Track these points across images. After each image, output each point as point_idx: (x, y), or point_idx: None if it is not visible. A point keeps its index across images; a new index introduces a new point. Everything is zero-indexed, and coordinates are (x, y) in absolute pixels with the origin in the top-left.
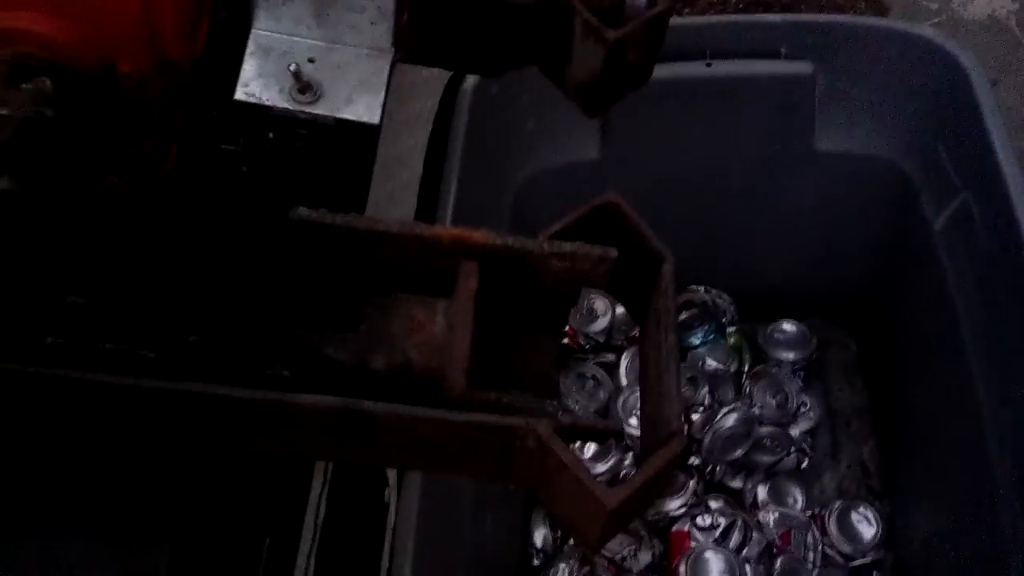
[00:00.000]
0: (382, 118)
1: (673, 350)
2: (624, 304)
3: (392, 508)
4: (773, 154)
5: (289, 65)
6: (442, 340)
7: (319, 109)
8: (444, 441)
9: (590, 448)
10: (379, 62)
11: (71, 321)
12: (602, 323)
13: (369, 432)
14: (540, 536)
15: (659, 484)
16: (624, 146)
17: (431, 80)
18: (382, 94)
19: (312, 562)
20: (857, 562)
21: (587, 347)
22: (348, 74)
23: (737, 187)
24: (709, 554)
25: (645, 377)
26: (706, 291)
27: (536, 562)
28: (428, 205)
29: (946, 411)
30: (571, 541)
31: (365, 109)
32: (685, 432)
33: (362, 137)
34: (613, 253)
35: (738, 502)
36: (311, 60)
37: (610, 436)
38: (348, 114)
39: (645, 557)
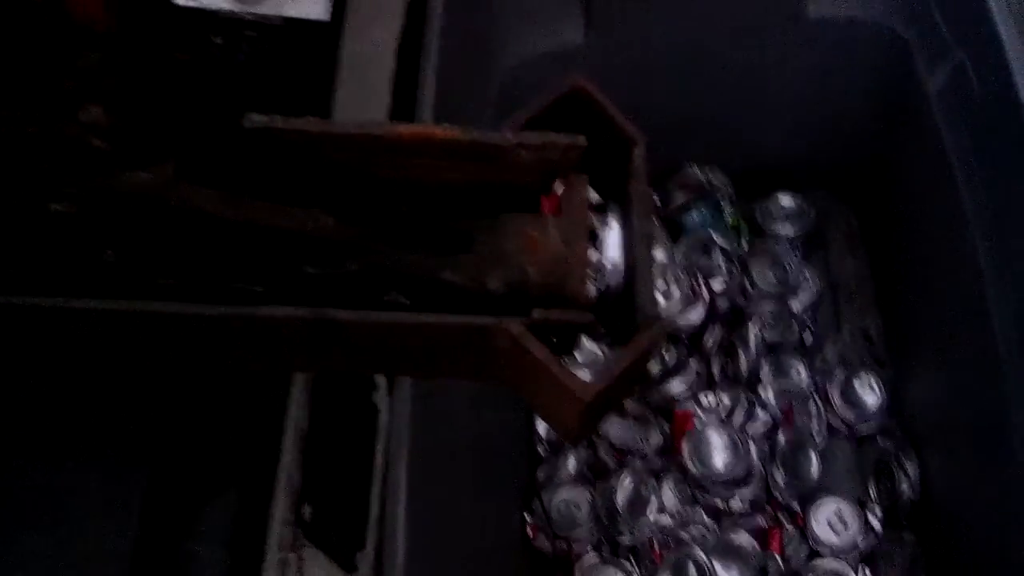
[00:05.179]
0: (334, 13)
1: (648, 236)
2: (599, 191)
3: (383, 409)
4: (763, 24)
5: None
6: (558, 254)
7: (264, 9)
8: (417, 345)
9: None
10: None
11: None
12: None
13: (340, 340)
14: (544, 427)
15: (638, 371)
16: (608, 28)
17: None
18: None
19: (297, 473)
20: (863, 431)
21: None
22: None
23: (728, 62)
24: (711, 432)
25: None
26: (701, 171)
27: (542, 452)
28: (406, 104)
29: (947, 275)
30: None
31: (312, 5)
32: (708, 299)
33: (314, 35)
34: (582, 141)
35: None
36: None
37: (588, 329)
38: (294, 11)
39: (656, 439)
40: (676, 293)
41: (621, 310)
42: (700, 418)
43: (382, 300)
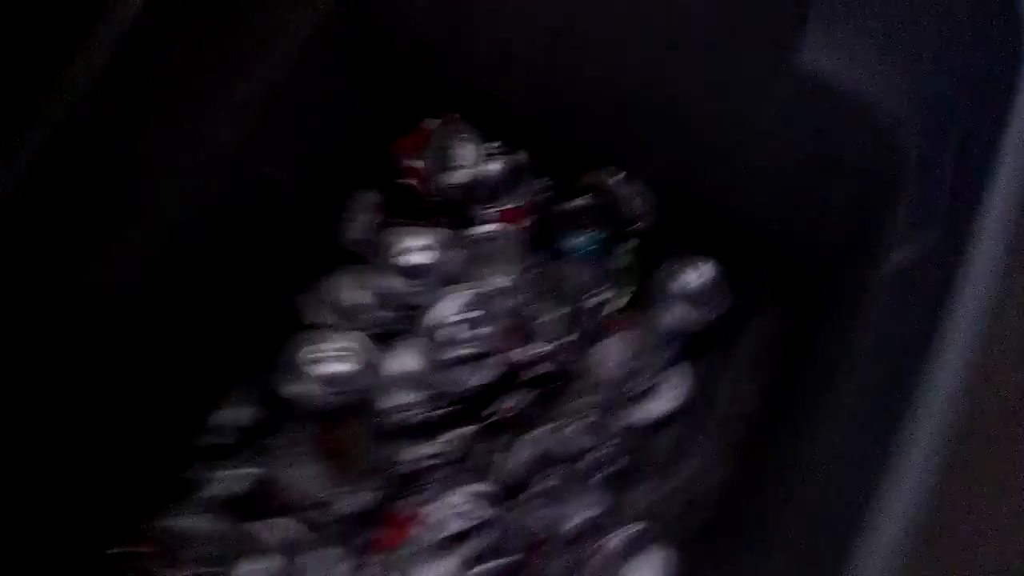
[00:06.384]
0: None
1: None
2: None
3: None
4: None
5: None
6: None
7: None
8: None
9: None
10: None
11: None
12: (462, 176)
13: None
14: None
15: None
16: None
17: None
18: None
19: None
20: None
21: (435, 198)
22: None
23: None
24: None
25: None
26: (624, 181)
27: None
28: None
29: (845, 449)
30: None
31: None
32: (505, 369)
33: None
34: None
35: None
36: None
37: None
38: None
39: (364, 498)
40: (467, 334)
41: None
42: (425, 524)
43: None
